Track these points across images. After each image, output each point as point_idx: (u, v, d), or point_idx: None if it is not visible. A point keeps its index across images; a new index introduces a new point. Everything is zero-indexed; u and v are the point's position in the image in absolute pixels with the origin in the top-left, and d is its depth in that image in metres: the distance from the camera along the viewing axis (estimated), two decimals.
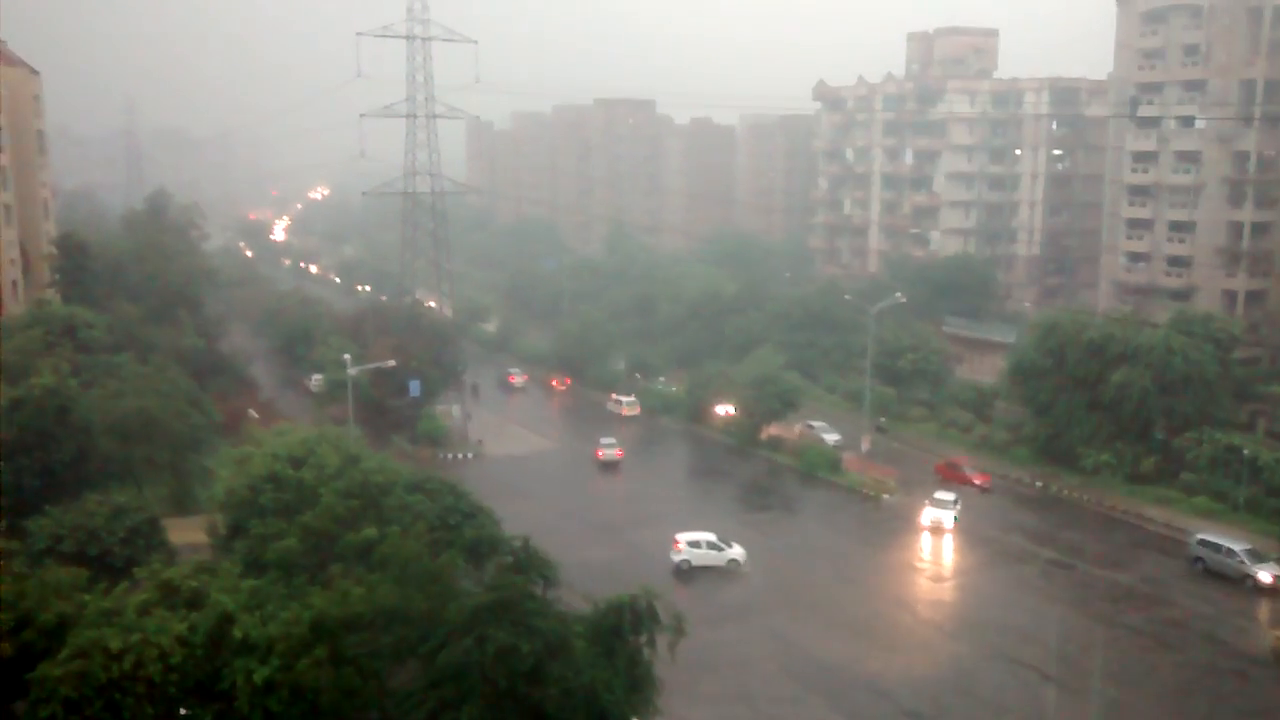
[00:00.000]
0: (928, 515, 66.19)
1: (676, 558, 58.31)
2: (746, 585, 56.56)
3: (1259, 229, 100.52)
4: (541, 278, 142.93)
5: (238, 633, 32.00)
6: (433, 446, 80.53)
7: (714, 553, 58.51)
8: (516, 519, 49.13)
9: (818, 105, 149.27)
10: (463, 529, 44.25)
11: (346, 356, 68.39)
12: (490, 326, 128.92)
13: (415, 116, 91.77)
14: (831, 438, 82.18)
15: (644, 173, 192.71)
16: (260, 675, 31.08)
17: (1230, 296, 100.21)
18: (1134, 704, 44.70)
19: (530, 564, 35.45)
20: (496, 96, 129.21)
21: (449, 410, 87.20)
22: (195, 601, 33.73)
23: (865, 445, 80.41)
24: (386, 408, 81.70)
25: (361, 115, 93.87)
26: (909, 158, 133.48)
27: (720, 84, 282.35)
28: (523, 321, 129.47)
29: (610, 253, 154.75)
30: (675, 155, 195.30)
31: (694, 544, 58.67)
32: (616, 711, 32.00)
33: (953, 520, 65.43)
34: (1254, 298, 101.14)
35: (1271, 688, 46.42)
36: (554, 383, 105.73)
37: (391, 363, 72.94)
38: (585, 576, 42.14)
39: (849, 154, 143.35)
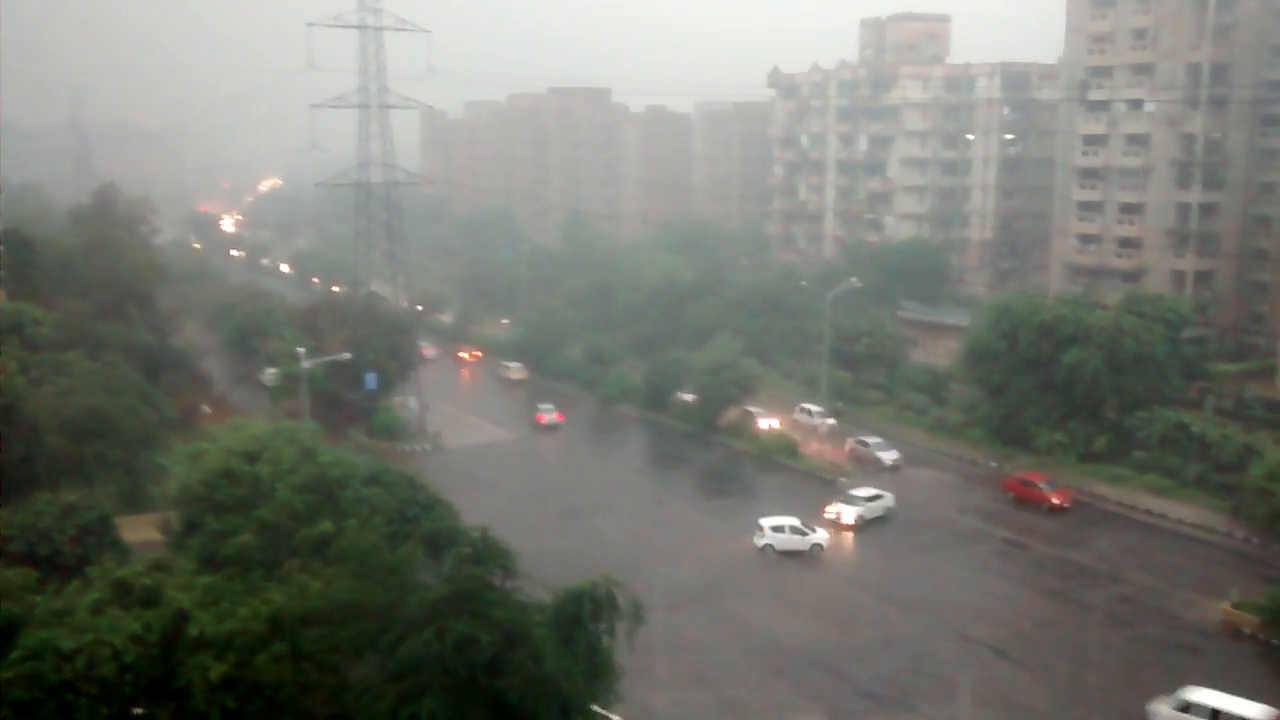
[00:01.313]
0: (831, 509, 63.96)
1: (760, 542, 59.03)
2: (705, 570, 56.78)
3: (1206, 210, 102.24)
4: (498, 267, 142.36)
5: (193, 630, 31.70)
6: (390, 439, 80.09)
7: (797, 537, 59.03)
8: (475, 509, 49.05)
9: (772, 92, 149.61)
10: (421, 521, 44.12)
11: (301, 350, 67.79)
12: (447, 317, 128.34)
13: (368, 107, 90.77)
14: (889, 455, 74.80)
15: (600, 161, 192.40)
16: (217, 672, 30.84)
17: (1179, 277, 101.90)
18: (1088, 679, 45.44)
19: (489, 554, 35.42)
20: (450, 86, 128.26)
21: (405, 402, 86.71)
22: (149, 599, 33.36)
23: (823, 430, 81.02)
24: (342, 401, 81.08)
25: (313, 106, 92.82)
26: (863, 143, 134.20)
27: (675, 71, 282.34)
28: (480, 311, 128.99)
29: (567, 241, 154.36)
30: (631, 143, 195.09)
31: (777, 529, 59.19)
32: (577, 699, 32.10)
33: (854, 516, 62.78)
34: (1202, 278, 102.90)
35: (1222, 659, 47.28)
36: (461, 355, 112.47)
37: (347, 355, 72.40)
38: (546, 566, 42.14)
39: (804, 140, 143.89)
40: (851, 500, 64.22)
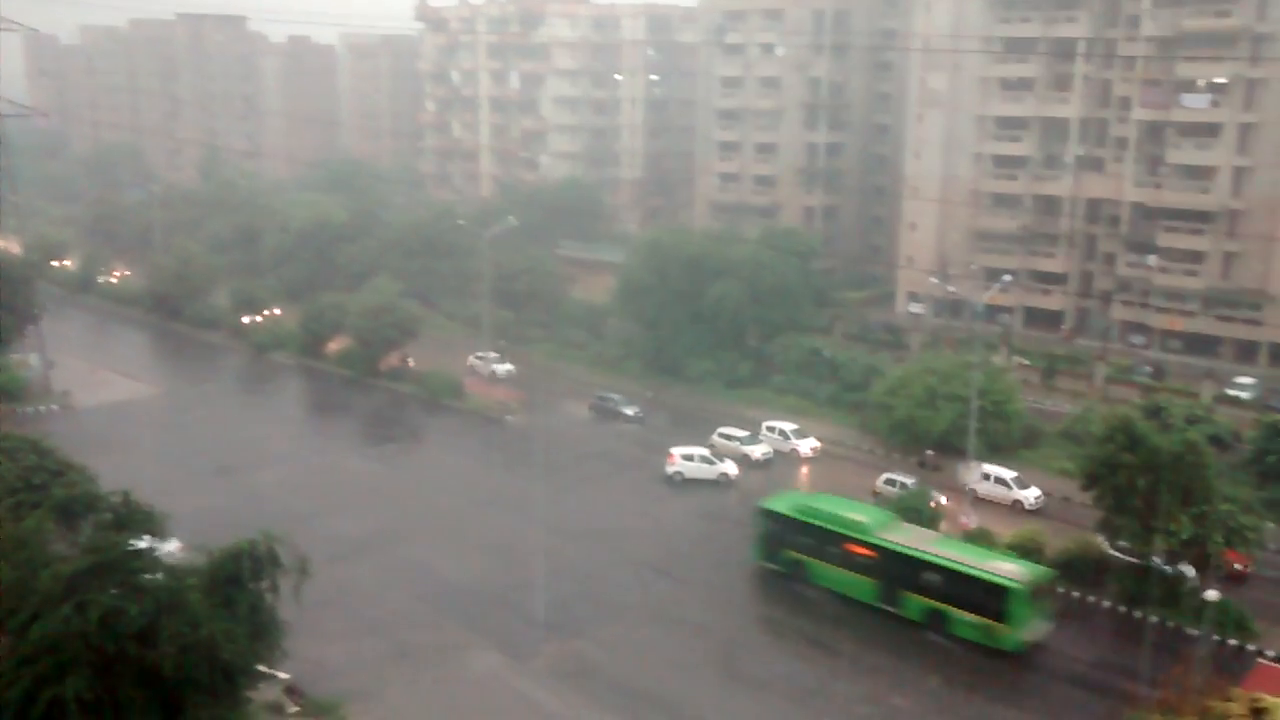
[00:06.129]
0: None
1: (670, 469, 61.69)
2: (373, 518, 55.72)
3: (832, 150, 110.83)
4: (127, 209, 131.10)
5: None
6: (9, 401, 72.35)
7: (706, 466, 61.69)
8: (116, 473, 45.28)
9: (421, 25, 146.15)
10: (50, 489, 40.34)
11: None
12: (71, 264, 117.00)
13: None
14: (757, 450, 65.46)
15: (238, 94, 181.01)
16: None
17: (809, 212, 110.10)
18: (739, 589, 48.83)
19: (133, 519, 32.92)
20: (58, 7, 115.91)
21: (26, 360, 78.48)
22: None
23: (496, 370, 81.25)
24: None
25: None
26: (515, 81, 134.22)
27: (316, 1, 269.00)
28: (109, 258, 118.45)
29: (205, 180, 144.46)
30: (272, 76, 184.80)
31: (687, 457, 62.05)
32: (240, 661, 30.55)
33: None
34: (829, 213, 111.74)
35: None
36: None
37: None
38: (200, 526, 39.84)
39: (456, 77, 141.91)
40: None
